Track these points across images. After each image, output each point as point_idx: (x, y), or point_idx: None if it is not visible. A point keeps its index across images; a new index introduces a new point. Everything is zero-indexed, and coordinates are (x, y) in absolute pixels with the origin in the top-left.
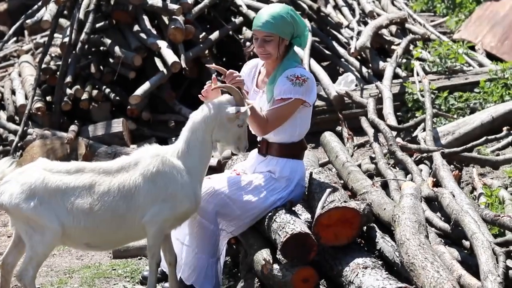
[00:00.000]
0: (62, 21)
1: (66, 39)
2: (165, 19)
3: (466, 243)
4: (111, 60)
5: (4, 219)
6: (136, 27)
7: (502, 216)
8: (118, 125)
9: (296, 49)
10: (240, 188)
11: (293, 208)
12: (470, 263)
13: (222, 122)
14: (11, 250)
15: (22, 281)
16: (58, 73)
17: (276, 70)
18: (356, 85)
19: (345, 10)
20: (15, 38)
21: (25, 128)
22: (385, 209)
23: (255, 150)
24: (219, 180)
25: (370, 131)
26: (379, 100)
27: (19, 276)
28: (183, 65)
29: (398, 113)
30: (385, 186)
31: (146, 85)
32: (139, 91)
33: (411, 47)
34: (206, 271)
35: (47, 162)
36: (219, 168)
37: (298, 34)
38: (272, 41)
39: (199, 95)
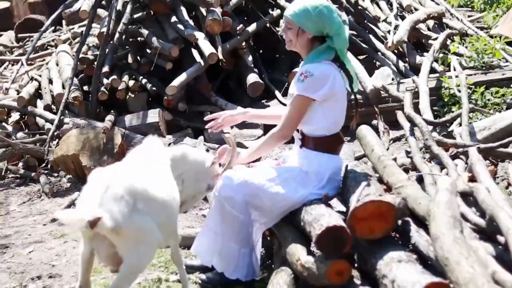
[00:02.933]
0: (100, 11)
1: (104, 29)
2: (203, 10)
3: (501, 239)
4: (148, 51)
5: (40, 207)
6: (173, 18)
7: None
8: (154, 115)
9: None
10: (270, 180)
11: (328, 202)
12: (505, 259)
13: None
14: (85, 274)
15: None
16: (95, 63)
17: (302, 63)
18: (392, 79)
19: (383, 4)
20: (53, 28)
21: (61, 117)
22: (420, 203)
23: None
24: (249, 170)
25: (406, 125)
26: (415, 94)
27: None
28: (220, 56)
29: (434, 108)
30: (420, 180)
31: (182, 76)
32: (176, 82)
33: (448, 42)
34: (238, 262)
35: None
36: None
37: (330, 34)
38: (291, 29)
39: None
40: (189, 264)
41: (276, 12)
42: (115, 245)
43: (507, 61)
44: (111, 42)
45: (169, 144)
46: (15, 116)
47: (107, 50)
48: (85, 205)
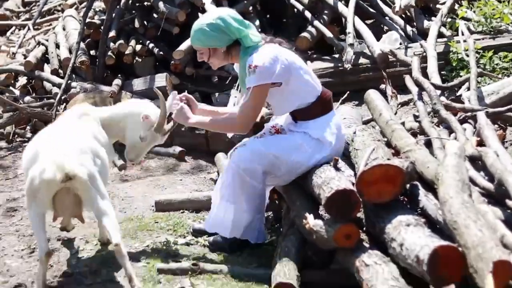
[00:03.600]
0: None
1: None
2: None
3: (510, 203)
4: (155, 15)
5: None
6: None
7: None
8: (161, 79)
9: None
10: (286, 147)
11: (337, 165)
12: None
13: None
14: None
15: None
16: (102, 27)
17: (240, 69)
18: (400, 44)
19: None
20: None
21: (68, 81)
22: (428, 167)
23: None
24: (263, 140)
25: (414, 89)
26: (423, 59)
27: None
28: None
29: (442, 72)
30: (428, 144)
31: (189, 41)
32: (183, 46)
33: (456, 6)
34: (251, 225)
35: None
36: (260, 123)
37: (239, 37)
38: (204, 53)
39: None
40: (196, 227)
41: None
42: (80, 196)
43: None
44: (118, 6)
45: None
46: (22, 80)
47: (113, 14)
48: (52, 161)
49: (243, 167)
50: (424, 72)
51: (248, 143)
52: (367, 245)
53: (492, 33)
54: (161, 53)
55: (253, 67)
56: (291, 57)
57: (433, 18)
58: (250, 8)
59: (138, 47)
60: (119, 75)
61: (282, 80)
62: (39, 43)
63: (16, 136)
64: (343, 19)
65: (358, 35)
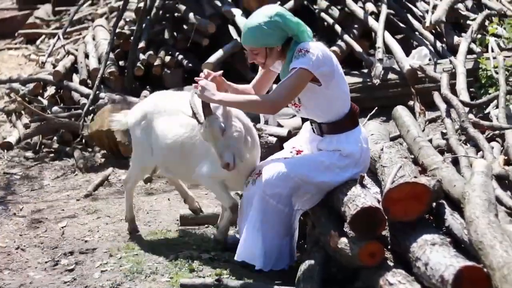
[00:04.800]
0: None
1: (141, 4)
2: None
3: None
4: (185, 27)
5: (73, 182)
6: None
7: None
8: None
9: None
10: (312, 170)
11: (363, 182)
12: None
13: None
14: None
15: None
16: (132, 38)
17: (284, 64)
18: (430, 60)
19: None
20: (90, 2)
21: (97, 92)
22: (455, 186)
23: (307, 125)
24: (288, 162)
25: (442, 106)
26: (452, 75)
27: None
28: None
29: (471, 89)
30: (455, 162)
31: (219, 53)
32: (212, 58)
33: (487, 22)
34: (280, 251)
35: None
36: (288, 137)
37: (293, 34)
38: (259, 54)
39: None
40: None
41: None
42: None
43: None
44: (148, 17)
45: None
46: (50, 90)
47: (143, 25)
48: None
49: (270, 193)
50: (453, 88)
51: (272, 166)
52: (391, 264)
53: None
54: (190, 65)
55: (304, 51)
56: (337, 61)
57: (463, 34)
58: None
59: (167, 58)
60: (148, 87)
61: (325, 80)
62: (68, 53)
63: (43, 146)
64: (373, 34)
65: (388, 50)
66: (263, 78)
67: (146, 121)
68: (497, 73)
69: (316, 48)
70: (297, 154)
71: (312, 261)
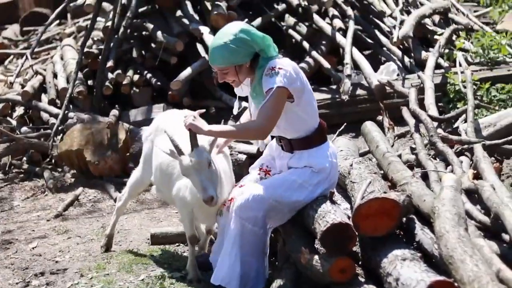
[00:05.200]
0: (105, 5)
1: (109, 23)
2: (208, 4)
3: (506, 237)
4: (153, 45)
5: (44, 203)
6: (178, 12)
7: None
8: (159, 110)
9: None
10: (286, 189)
11: (333, 198)
12: (510, 257)
13: None
14: None
15: None
16: (100, 57)
17: (254, 82)
18: (398, 75)
19: None
20: (58, 21)
21: (66, 111)
22: (425, 200)
23: (272, 143)
24: (261, 185)
25: (411, 121)
26: (420, 90)
27: None
28: None
29: (439, 104)
30: (425, 177)
31: (187, 71)
32: (181, 76)
33: (454, 37)
34: (258, 272)
35: None
36: (258, 155)
37: (259, 49)
38: (228, 72)
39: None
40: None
41: (281, 7)
42: None
43: None
44: (116, 36)
45: None
46: (19, 110)
47: (111, 44)
48: None
49: (245, 216)
50: (421, 103)
51: (246, 190)
52: (362, 280)
53: (489, 64)
54: (158, 83)
55: (277, 69)
56: (305, 76)
57: (430, 49)
58: None
59: (136, 77)
60: (117, 106)
61: (297, 96)
62: (36, 73)
63: (12, 167)
64: (341, 50)
65: (356, 66)
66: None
67: (151, 137)
68: (465, 87)
69: (288, 64)
70: (265, 174)
71: (283, 278)
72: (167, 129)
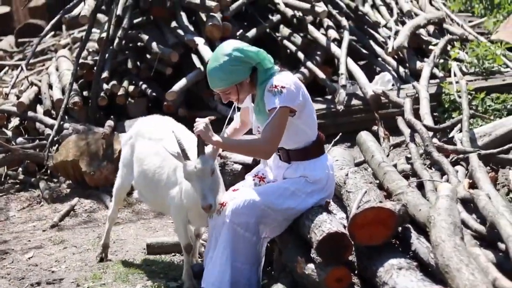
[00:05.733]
0: (100, 16)
1: (104, 34)
2: (203, 15)
3: (502, 246)
4: (148, 56)
5: (39, 213)
6: (173, 24)
7: None
8: None
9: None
10: (278, 197)
11: (329, 208)
12: (505, 266)
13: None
14: None
15: None
16: (95, 68)
17: (257, 97)
18: (393, 85)
19: (383, 9)
20: (53, 33)
21: (61, 122)
22: (420, 210)
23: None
24: (254, 191)
25: (406, 131)
26: (415, 100)
27: None
28: None
29: (434, 114)
30: (420, 186)
31: (182, 82)
32: (176, 87)
33: (449, 47)
34: (250, 280)
35: None
36: (254, 165)
37: (256, 63)
38: (231, 92)
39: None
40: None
41: (276, 17)
42: None
43: (507, 66)
44: (111, 47)
45: None
46: (15, 121)
47: (106, 55)
48: None
49: (237, 221)
50: (416, 113)
51: (238, 195)
52: None
53: (484, 74)
54: (154, 94)
55: (279, 87)
56: (305, 88)
57: (425, 59)
58: None
59: (131, 88)
60: (112, 116)
61: (299, 110)
62: (32, 84)
63: (8, 177)
64: (336, 60)
65: (351, 76)
66: (245, 117)
67: (131, 141)
68: (460, 97)
69: (289, 81)
70: (260, 181)
71: None
72: (175, 132)
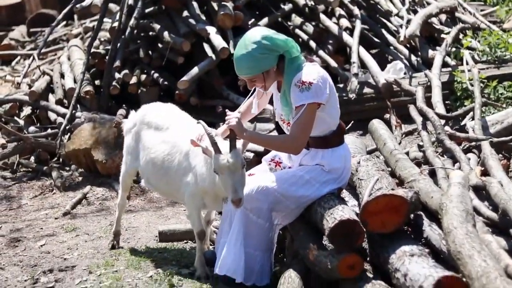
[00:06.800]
0: (112, 5)
1: (116, 24)
2: (215, 5)
3: None
4: (160, 45)
5: (52, 201)
6: (185, 13)
7: None
8: None
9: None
10: (292, 184)
11: (341, 195)
12: None
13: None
14: None
15: None
16: (107, 57)
17: (283, 86)
18: (405, 73)
19: None
20: (64, 22)
21: (73, 111)
22: (432, 197)
23: None
24: (268, 177)
25: (418, 119)
26: (428, 89)
27: None
28: (232, 51)
29: (446, 102)
30: (432, 174)
31: (194, 71)
32: (187, 76)
33: (461, 36)
34: (263, 267)
35: None
36: (266, 153)
37: (284, 51)
38: (257, 80)
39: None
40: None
41: (287, 6)
42: None
43: None
44: (123, 36)
45: None
46: (27, 110)
47: (118, 44)
48: None
49: (250, 207)
50: (428, 101)
51: (252, 181)
52: (370, 276)
53: (496, 62)
54: (165, 83)
55: (307, 84)
56: (330, 79)
57: (437, 47)
58: None
59: (143, 77)
60: (124, 105)
61: (326, 102)
62: (44, 73)
63: (20, 166)
64: (348, 49)
65: (363, 65)
66: (261, 101)
67: (135, 129)
68: (472, 85)
69: (316, 75)
70: (276, 166)
71: (292, 275)
72: (204, 125)
